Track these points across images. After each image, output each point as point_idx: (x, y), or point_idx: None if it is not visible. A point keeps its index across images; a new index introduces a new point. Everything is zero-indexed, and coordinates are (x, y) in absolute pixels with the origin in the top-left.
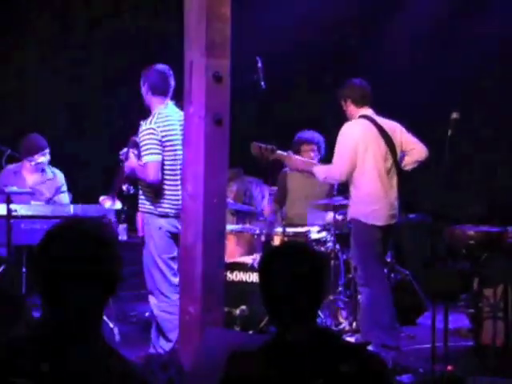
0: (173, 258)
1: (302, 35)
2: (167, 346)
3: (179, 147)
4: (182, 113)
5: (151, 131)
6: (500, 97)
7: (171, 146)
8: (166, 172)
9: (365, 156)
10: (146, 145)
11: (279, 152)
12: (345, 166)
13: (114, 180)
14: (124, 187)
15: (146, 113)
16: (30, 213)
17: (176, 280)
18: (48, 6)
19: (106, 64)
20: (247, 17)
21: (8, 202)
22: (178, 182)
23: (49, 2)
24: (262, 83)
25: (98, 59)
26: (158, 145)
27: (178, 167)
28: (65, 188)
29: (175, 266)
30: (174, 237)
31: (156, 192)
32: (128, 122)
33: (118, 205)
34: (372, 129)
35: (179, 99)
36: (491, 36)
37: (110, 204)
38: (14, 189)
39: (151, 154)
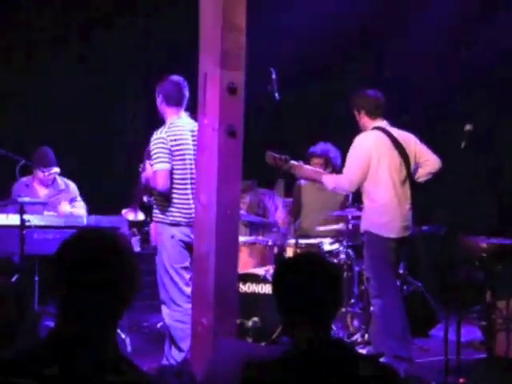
0: (185, 268)
1: (316, 45)
2: (179, 356)
3: (189, 157)
4: (195, 123)
5: (161, 140)
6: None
7: (181, 155)
8: (176, 181)
9: (378, 167)
10: (155, 153)
11: (292, 162)
12: (355, 176)
13: (134, 192)
14: (145, 198)
15: (157, 124)
16: (42, 223)
17: (188, 290)
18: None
19: (119, 75)
20: (262, 28)
21: (21, 212)
22: (189, 191)
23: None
24: (276, 94)
25: (111, 71)
26: (167, 154)
27: (189, 176)
28: (79, 198)
29: (187, 276)
30: (187, 246)
31: (167, 201)
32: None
33: (141, 216)
34: (386, 140)
35: (194, 111)
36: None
37: (132, 216)
38: (27, 199)
39: (160, 162)
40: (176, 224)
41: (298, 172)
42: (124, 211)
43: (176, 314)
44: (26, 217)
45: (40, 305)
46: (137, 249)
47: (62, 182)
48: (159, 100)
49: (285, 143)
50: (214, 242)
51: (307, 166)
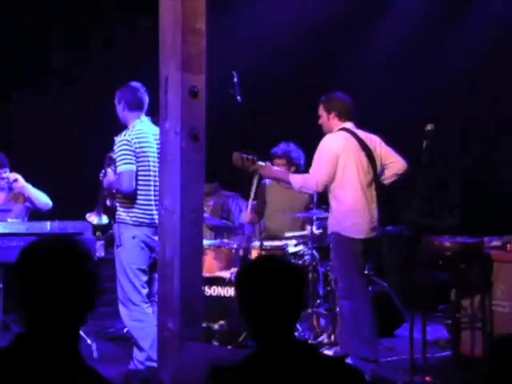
0: (142, 270)
1: (278, 45)
2: (141, 356)
3: (152, 159)
4: (157, 128)
5: (125, 142)
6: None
7: (144, 157)
8: (139, 182)
9: (345, 169)
10: (120, 155)
11: (259, 163)
12: (322, 176)
13: (98, 196)
14: (108, 202)
15: (120, 129)
16: (6, 231)
17: (145, 291)
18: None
19: (82, 81)
20: (222, 31)
21: None
22: (151, 193)
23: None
24: (239, 97)
25: (79, 76)
26: (131, 155)
27: (152, 178)
28: (30, 186)
29: (144, 278)
30: (149, 248)
31: (130, 202)
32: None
33: (105, 219)
34: (353, 142)
35: (155, 114)
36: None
37: (97, 220)
38: None
39: (125, 163)
40: (139, 224)
41: (264, 172)
42: (88, 215)
43: (134, 314)
44: None
45: (5, 313)
46: (101, 254)
47: (11, 175)
48: (121, 107)
49: (247, 145)
50: (178, 245)
51: (274, 167)
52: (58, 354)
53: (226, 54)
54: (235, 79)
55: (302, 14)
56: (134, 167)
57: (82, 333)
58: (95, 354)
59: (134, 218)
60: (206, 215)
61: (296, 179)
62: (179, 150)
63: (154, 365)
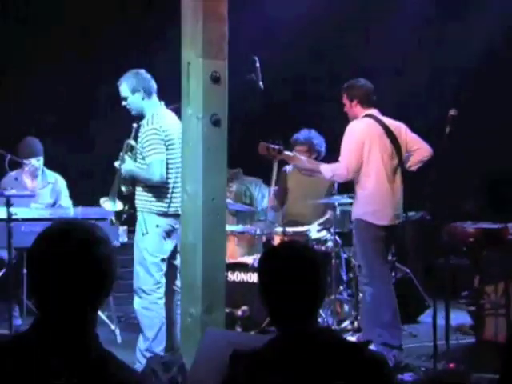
0: (163, 260)
1: (299, 33)
2: (144, 345)
3: (177, 146)
4: (173, 114)
5: (155, 131)
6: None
7: (171, 144)
8: (168, 171)
9: (370, 155)
10: (150, 144)
11: (286, 152)
12: (351, 163)
13: (113, 182)
14: (123, 188)
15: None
16: (29, 216)
17: (162, 280)
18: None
19: (102, 66)
20: (245, 16)
21: (8, 205)
22: (177, 180)
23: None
24: (260, 83)
25: (93, 62)
26: (161, 144)
27: (176, 166)
28: (67, 193)
29: (164, 268)
30: (170, 238)
31: (156, 191)
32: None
33: (120, 206)
34: (378, 128)
35: (177, 100)
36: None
37: (111, 206)
38: (14, 192)
39: (155, 153)
40: (163, 214)
41: (294, 163)
42: (102, 200)
43: (144, 302)
44: (12, 210)
45: (29, 298)
46: (124, 239)
47: (51, 175)
48: (140, 95)
49: (272, 132)
50: (200, 232)
51: (303, 157)
52: (74, 338)
53: (247, 39)
54: (257, 64)
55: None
56: (165, 156)
57: (105, 318)
58: (119, 339)
59: (159, 208)
60: (228, 201)
61: (327, 169)
62: (201, 136)
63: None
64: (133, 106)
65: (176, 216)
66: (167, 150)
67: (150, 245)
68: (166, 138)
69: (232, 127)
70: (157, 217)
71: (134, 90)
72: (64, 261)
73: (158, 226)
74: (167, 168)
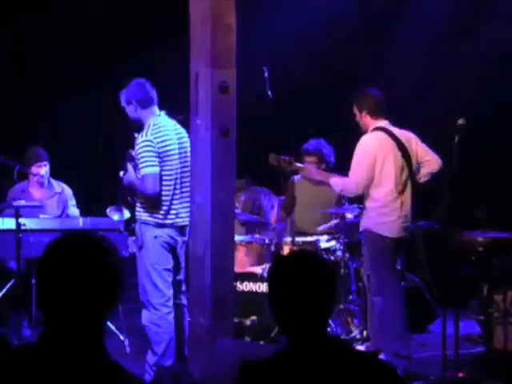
0: (167, 270)
1: (308, 43)
2: (152, 359)
3: (175, 157)
4: (175, 122)
5: (148, 143)
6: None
7: (167, 156)
8: (162, 183)
9: (382, 168)
10: (143, 157)
11: (297, 164)
12: (362, 180)
13: (118, 192)
14: (128, 198)
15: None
16: (38, 226)
17: (169, 292)
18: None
19: (106, 72)
20: (253, 27)
21: (17, 216)
22: (177, 192)
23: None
24: (269, 93)
25: (99, 68)
26: (155, 157)
27: (174, 177)
28: (74, 202)
29: (170, 279)
30: (171, 249)
31: (152, 202)
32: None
33: (127, 214)
34: (389, 141)
35: (185, 111)
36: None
37: (117, 216)
38: (23, 202)
39: (149, 166)
40: (160, 226)
41: (305, 174)
42: (108, 210)
43: (153, 317)
44: (21, 221)
45: (38, 308)
46: (133, 249)
47: (57, 184)
48: (133, 107)
49: (280, 141)
50: (209, 241)
51: (314, 168)
52: (81, 349)
53: (256, 49)
54: (266, 74)
55: (333, 6)
56: (157, 169)
57: (114, 328)
58: (128, 350)
59: (155, 220)
60: (237, 211)
61: (337, 182)
62: (210, 146)
63: None
64: (129, 115)
65: (175, 228)
66: (162, 161)
67: (152, 257)
68: (160, 149)
69: (241, 137)
70: (154, 228)
71: (128, 101)
72: (72, 272)
73: (156, 237)
74: (162, 180)
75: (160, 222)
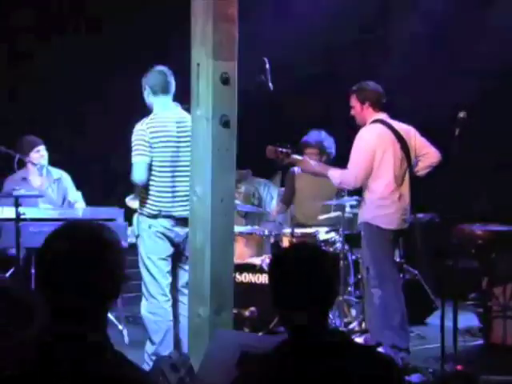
0: (163, 259)
1: (309, 36)
2: (150, 349)
3: (171, 149)
4: (183, 114)
5: (140, 132)
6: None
7: (160, 147)
8: (153, 173)
9: (382, 162)
10: (134, 146)
11: (294, 156)
12: (360, 172)
13: None
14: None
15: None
16: (38, 216)
17: (166, 282)
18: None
19: (109, 65)
20: (255, 17)
21: (16, 205)
22: (168, 183)
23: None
24: (270, 84)
25: (102, 60)
26: (145, 146)
27: (169, 168)
28: (73, 187)
29: (166, 268)
30: (168, 239)
31: (145, 193)
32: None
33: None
34: (388, 134)
35: (187, 101)
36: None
37: (137, 204)
38: (22, 191)
39: (138, 154)
40: (153, 216)
41: (303, 167)
42: (128, 199)
43: (150, 306)
44: (21, 210)
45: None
46: (132, 239)
47: (56, 171)
48: (146, 92)
49: (279, 133)
50: (209, 233)
51: (312, 161)
52: (84, 339)
53: (257, 40)
54: (267, 66)
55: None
56: (146, 158)
57: (113, 318)
58: (126, 340)
59: (147, 210)
60: (237, 202)
61: (335, 175)
62: (210, 137)
63: None
64: (146, 102)
65: (172, 218)
66: (154, 152)
67: (146, 247)
68: (151, 140)
69: (242, 128)
70: (148, 218)
71: (144, 86)
72: (73, 262)
73: (150, 226)
74: (155, 170)
75: (153, 212)
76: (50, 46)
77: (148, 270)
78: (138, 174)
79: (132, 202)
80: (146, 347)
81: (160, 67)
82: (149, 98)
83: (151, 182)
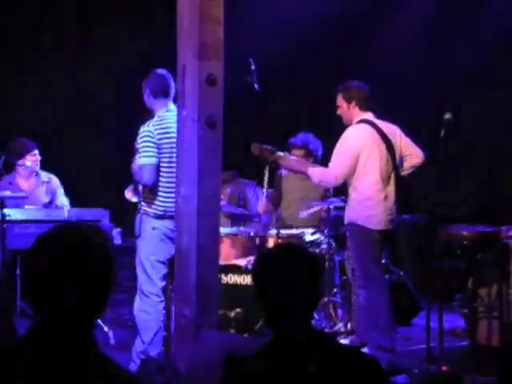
0: (162, 262)
1: (295, 35)
2: (139, 347)
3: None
4: None
5: (148, 133)
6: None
7: (167, 148)
8: (162, 174)
9: (367, 162)
10: (142, 147)
11: (278, 153)
12: (342, 170)
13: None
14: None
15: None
16: (23, 217)
17: (161, 284)
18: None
19: (99, 66)
20: (241, 19)
21: (1, 206)
22: (173, 185)
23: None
24: (256, 85)
25: (92, 62)
26: (153, 147)
27: (174, 169)
28: (62, 191)
29: (163, 271)
30: (170, 241)
31: (152, 194)
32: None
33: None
34: (374, 134)
35: (174, 102)
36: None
37: (136, 198)
38: (8, 193)
39: (146, 156)
40: (160, 217)
41: (283, 163)
42: (126, 191)
43: (143, 304)
44: (6, 211)
45: (22, 299)
46: (118, 241)
47: (44, 175)
48: (146, 95)
49: (265, 134)
50: (195, 234)
51: (293, 157)
52: (72, 342)
53: (243, 41)
54: (253, 67)
55: (320, 2)
56: (154, 160)
57: (98, 320)
58: (112, 341)
59: (154, 211)
60: (223, 203)
61: (315, 173)
62: (196, 138)
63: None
64: (147, 105)
65: (173, 218)
66: (161, 153)
67: (147, 247)
68: (159, 141)
69: (228, 129)
70: (153, 219)
71: (144, 89)
72: (62, 266)
73: (154, 228)
74: (161, 171)
75: (159, 213)
76: None
77: (145, 270)
78: (147, 176)
79: (131, 193)
80: (134, 345)
81: (161, 70)
82: (149, 100)
83: (160, 184)
